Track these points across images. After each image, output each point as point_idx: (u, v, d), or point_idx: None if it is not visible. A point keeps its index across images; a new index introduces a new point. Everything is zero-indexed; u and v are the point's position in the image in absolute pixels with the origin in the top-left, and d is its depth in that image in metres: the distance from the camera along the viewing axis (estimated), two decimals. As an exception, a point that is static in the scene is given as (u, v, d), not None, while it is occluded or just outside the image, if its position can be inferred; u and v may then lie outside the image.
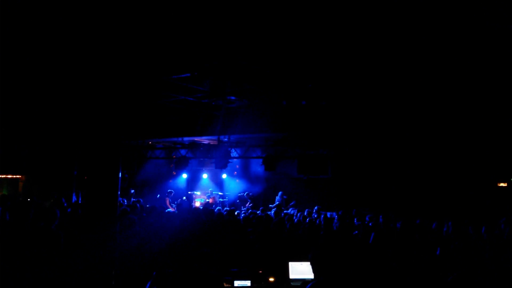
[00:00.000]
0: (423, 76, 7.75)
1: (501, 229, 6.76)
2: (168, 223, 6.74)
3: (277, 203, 13.58)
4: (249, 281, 4.37)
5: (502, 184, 11.84)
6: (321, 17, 5.28)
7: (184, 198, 14.38)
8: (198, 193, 15.30)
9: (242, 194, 15.26)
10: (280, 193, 14.24)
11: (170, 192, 13.85)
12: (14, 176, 13.85)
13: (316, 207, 10.63)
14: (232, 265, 4.86)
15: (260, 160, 12.03)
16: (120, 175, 6.01)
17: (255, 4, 4.99)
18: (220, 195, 15.63)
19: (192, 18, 5.35)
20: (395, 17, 5.32)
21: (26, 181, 13.97)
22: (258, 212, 9.30)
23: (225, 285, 4.24)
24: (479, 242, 5.83)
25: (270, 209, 11.90)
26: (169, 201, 13.25)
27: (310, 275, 3.32)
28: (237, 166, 15.90)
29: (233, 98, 9.36)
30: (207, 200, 14.89)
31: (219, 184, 16.42)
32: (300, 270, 4.80)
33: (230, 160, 11.96)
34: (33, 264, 4.05)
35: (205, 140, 12.84)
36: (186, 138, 12.64)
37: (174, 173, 15.82)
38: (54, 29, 5.74)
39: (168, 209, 10.82)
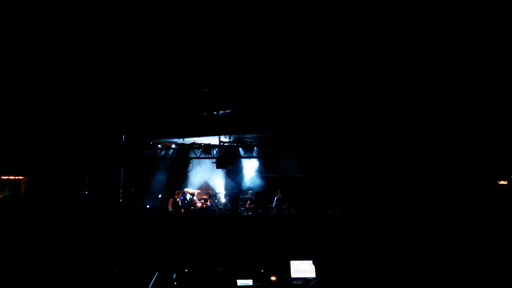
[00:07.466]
0: (423, 74, 7.77)
1: (503, 227, 6.78)
2: (171, 223, 6.77)
3: (277, 202, 13.62)
4: (251, 280, 4.39)
5: (502, 182, 11.85)
6: (319, 20, 5.31)
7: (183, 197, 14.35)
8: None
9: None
10: (279, 191, 14.27)
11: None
12: (17, 177, 13.87)
13: (316, 206, 10.65)
14: (234, 264, 4.90)
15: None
16: (122, 175, 6.07)
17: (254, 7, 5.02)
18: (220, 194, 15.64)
19: (196, 20, 5.39)
20: (391, 19, 5.35)
21: (29, 182, 13.99)
22: (259, 211, 9.33)
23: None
24: (479, 241, 5.85)
25: (271, 208, 11.93)
26: (173, 202, 13.19)
27: (312, 274, 3.36)
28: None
29: (234, 98, 9.39)
30: (207, 200, 14.89)
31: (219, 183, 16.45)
32: (302, 268, 4.82)
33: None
34: (35, 263, 4.09)
35: (206, 140, 12.86)
36: (187, 138, 12.67)
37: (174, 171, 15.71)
38: (53, 28, 5.76)
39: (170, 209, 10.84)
